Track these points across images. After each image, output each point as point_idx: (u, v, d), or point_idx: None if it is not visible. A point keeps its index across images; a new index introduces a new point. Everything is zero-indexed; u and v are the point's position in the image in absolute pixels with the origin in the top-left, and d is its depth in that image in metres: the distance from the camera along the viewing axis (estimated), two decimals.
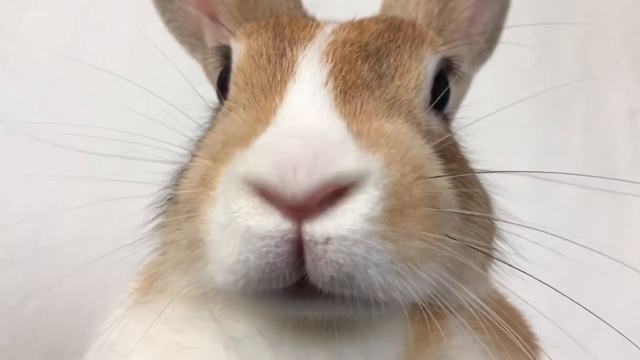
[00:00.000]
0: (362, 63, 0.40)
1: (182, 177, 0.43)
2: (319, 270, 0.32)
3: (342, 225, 0.32)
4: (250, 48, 0.44)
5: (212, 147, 0.38)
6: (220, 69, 0.48)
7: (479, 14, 0.58)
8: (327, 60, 0.40)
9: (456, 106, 0.56)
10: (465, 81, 0.57)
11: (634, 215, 1.31)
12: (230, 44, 0.46)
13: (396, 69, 0.42)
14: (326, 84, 0.37)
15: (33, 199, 0.99)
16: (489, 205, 0.47)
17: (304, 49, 0.41)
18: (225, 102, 0.44)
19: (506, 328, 0.41)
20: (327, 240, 0.32)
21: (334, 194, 0.31)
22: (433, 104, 0.44)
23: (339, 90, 0.37)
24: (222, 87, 0.46)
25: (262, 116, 0.36)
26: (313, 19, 0.47)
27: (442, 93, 0.45)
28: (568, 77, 1.30)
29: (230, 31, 0.52)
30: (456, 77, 0.49)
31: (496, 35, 0.59)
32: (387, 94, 0.40)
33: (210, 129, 0.47)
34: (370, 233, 0.32)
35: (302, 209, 0.31)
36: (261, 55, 0.42)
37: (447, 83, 0.47)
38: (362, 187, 0.32)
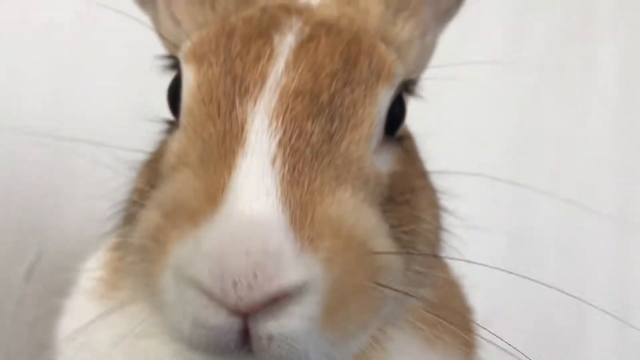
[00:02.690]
0: (313, 123, 0.40)
1: (135, 208, 0.45)
2: (264, 353, 0.36)
3: (284, 326, 0.35)
4: (200, 86, 0.43)
5: (166, 203, 0.40)
6: (170, 76, 0.48)
7: None
8: (277, 126, 0.39)
9: (422, 69, 0.55)
10: (431, 41, 0.56)
11: None
12: (179, 59, 0.46)
13: (348, 122, 0.41)
14: (274, 160, 0.38)
15: None
16: (436, 210, 0.50)
17: (254, 103, 0.40)
18: (178, 135, 0.44)
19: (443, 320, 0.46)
20: (270, 338, 0.35)
21: (279, 299, 0.34)
22: (389, 126, 0.45)
23: (286, 168, 0.38)
24: (173, 99, 0.46)
25: (211, 193, 0.37)
26: (265, 37, 0.44)
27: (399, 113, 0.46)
28: None
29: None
30: (414, 94, 0.49)
31: None
32: (337, 157, 0.40)
33: (160, 149, 0.48)
34: (310, 331, 0.35)
35: (247, 310, 0.34)
36: (211, 100, 0.42)
37: (403, 106, 0.47)
38: (303, 293, 0.34)
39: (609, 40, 1.43)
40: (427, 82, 0.57)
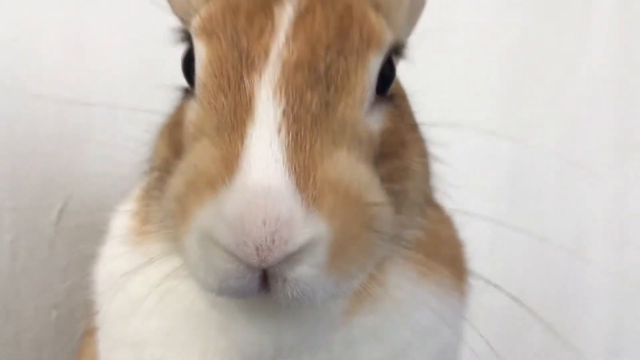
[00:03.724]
0: (311, 92, 0.45)
1: (164, 174, 0.51)
2: (281, 295, 0.43)
3: (297, 271, 0.42)
4: (211, 61, 0.48)
5: (188, 172, 0.46)
6: (184, 48, 0.53)
7: None
8: (280, 97, 0.45)
9: (410, 27, 0.60)
10: (420, 2, 0.60)
11: None
12: (191, 33, 0.51)
13: (342, 89, 0.47)
14: (280, 129, 0.43)
15: None
16: (425, 159, 0.56)
17: (260, 76, 0.45)
18: (194, 105, 0.50)
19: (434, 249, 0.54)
20: (285, 281, 0.42)
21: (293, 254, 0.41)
22: (380, 89, 0.50)
23: (290, 135, 0.43)
24: (188, 68, 0.51)
25: (227, 161, 0.43)
26: (267, 10, 0.49)
27: (388, 75, 0.51)
28: None
29: None
30: (403, 57, 0.53)
31: None
32: (333, 122, 0.46)
33: (177, 115, 0.54)
34: (318, 275, 0.42)
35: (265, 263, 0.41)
36: (221, 74, 0.47)
37: (392, 66, 0.52)
38: (311, 246, 0.41)
39: None
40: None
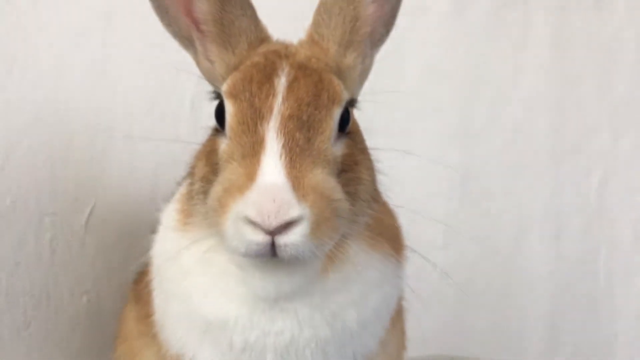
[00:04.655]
0: (299, 133, 0.70)
1: (205, 185, 0.75)
2: (282, 254, 0.67)
3: (292, 239, 0.66)
4: (237, 114, 0.72)
5: (225, 183, 0.69)
6: (216, 101, 0.76)
7: (379, 16, 0.80)
8: (280, 136, 0.69)
9: (361, 84, 0.83)
10: (369, 63, 0.82)
11: None
12: (222, 93, 0.75)
13: (317, 130, 0.71)
14: (281, 156, 0.68)
15: None
16: (371, 172, 0.80)
17: (268, 124, 0.70)
18: (225, 140, 0.74)
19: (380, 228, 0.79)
20: (285, 245, 0.66)
21: (289, 224, 0.65)
22: (341, 129, 0.75)
23: (287, 159, 0.68)
24: (219, 116, 0.75)
25: (250, 175, 0.67)
26: (270, 80, 0.73)
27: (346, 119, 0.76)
28: None
29: (210, 57, 0.78)
30: (355, 106, 0.78)
31: (392, 21, 0.81)
32: (313, 150, 0.70)
33: (211, 144, 0.78)
34: (304, 240, 0.66)
35: (273, 232, 0.65)
36: (243, 122, 0.71)
37: (348, 113, 0.76)
38: (301, 220, 0.65)
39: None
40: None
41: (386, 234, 0.82)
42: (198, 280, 0.79)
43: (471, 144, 1.59)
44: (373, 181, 0.81)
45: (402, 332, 0.93)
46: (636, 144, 1.74)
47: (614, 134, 1.70)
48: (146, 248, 0.86)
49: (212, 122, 0.77)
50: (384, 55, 0.84)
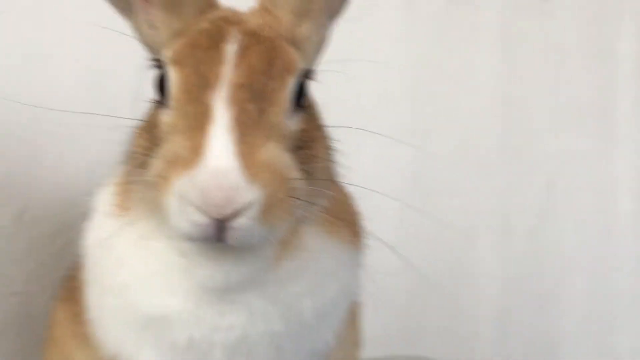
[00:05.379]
0: (251, 104, 0.64)
1: (145, 160, 0.68)
2: (230, 239, 0.61)
3: (241, 223, 0.60)
4: (181, 81, 0.66)
5: (168, 156, 0.64)
6: (157, 71, 0.70)
7: None
8: (230, 107, 0.63)
9: (317, 57, 0.77)
10: (325, 35, 0.77)
11: None
12: (164, 61, 0.69)
13: (271, 102, 0.65)
14: (230, 128, 0.62)
15: None
16: (329, 151, 0.76)
17: (216, 93, 0.64)
18: (167, 111, 0.67)
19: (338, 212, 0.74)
20: (234, 229, 0.60)
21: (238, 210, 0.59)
22: (296, 102, 0.69)
23: (238, 132, 0.62)
24: (161, 86, 0.69)
25: (195, 149, 0.61)
26: (218, 47, 0.67)
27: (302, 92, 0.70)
28: None
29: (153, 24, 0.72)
30: (312, 78, 0.73)
31: None
32: (265, 123, 0.64)
33: (152, 118, 0.72)
34: (255, 224, 0.60)
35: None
36: (189, 91, 0.65)
37: (305, 85, 0.71)
38: (251, 205, 0.60)
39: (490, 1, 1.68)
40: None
41: (344, 219, 0.77)
42: (136, 270, 0.72)
43: (422, 142, 1.58)
44: (330, 160, 0.76)
45: (358, 328, 0.88)
46: (581, 146, 1.77)
47: (560, 135, 1.72)
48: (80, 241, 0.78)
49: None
50: (333, 49, 0.80)
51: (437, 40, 1.65)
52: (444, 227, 1.58)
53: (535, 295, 1.68)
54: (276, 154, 0.63)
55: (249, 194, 0.59)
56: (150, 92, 0.73)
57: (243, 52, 0.67)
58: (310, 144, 0.70)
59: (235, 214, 0.59)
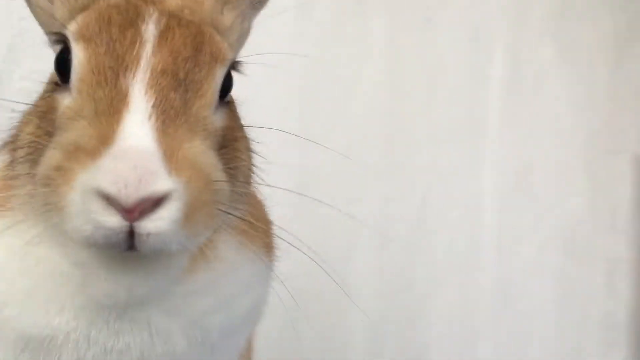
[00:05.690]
0: (174, 93, 0.56)
1: (34, 152, 0.58)
2: (144, 246, 0.51)
3: (157, 226, 0.51)
4: (90, 60, 0.56)
5: (67, 146, 0.53)
6: (58, 47, 0.60)
7: None
8: (150, 94, 0.55)
9: (239, 49, 0.71)
10: (247, 26, 0.71)
11: None
12: (67, 36, 0.58)
13: (197, 93, 0.58)
14: (150, 117, 0.53)
15: None
16: (250, 152, 0.69)
17: (134, 77, 0.55)
18: (69, 95, 0.57)
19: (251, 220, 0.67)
20: (148, 234, 0.51)
21: (154, 202, 0.50)
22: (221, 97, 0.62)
23: (159, 122, 0.53)
24: (61, 66, 0.59)
25: (104, 138, 0.51)
26: (135, 26, 0.58)
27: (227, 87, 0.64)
28: None
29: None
30: (238, 71, 0.66)
31: None
32: (190, 116, 0.56)
33: (47, 103, 0.61)
34: (174, 229, 0.51)
35: (132, 211, 0.50)
36: (99, 71, 0.56)
37: (230, 78, 0.64)
38: (170, 200, 0.51)
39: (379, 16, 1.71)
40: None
41: (259, 229, 0.71)
42: (16, 281, 0.61)
43: (309, 150, 1.53)
44: (251, 163, 0.69)
45: (250, 343, 0.83)
46: (453, 163, 1.84)
47: (435, 150, 1.78)
48: None
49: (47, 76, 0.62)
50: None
51: (326, 50, 1.65)
52: (326, 236, 1.56)
53: (406, 306, 1.71)
54: (202, 151, 0.56)
55: (168, 182, 0.50)
56: (40, 70, 0.64)
57: (164, 34, 0.59)
58: (233, 143, 0.64)
59: (151, 207, 0.50)
